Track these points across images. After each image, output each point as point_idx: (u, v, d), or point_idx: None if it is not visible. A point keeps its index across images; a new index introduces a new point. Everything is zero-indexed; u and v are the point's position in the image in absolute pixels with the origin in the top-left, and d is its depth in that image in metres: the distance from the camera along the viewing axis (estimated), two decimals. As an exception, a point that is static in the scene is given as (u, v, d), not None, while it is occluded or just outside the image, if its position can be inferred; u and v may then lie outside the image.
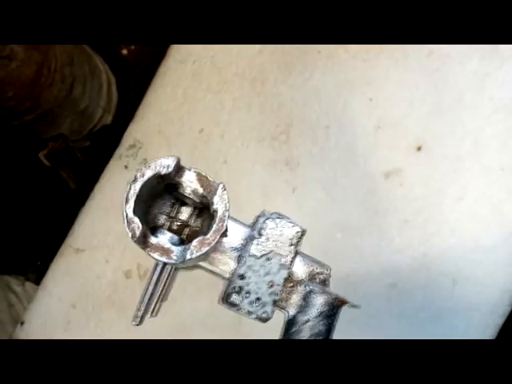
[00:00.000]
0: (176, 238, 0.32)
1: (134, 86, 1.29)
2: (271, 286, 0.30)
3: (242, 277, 0.31)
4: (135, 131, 0.65)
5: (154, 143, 0.64)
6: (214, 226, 0.28)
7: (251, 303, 0.30)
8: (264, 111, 0.62)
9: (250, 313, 0.31)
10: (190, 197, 0.31)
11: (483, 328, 0.53)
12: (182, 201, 0.32)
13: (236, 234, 0.31)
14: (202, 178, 0.30)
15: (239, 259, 0.31)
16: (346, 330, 0.55)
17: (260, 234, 0.31)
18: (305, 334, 0.32)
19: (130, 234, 0.28)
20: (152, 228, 0.32)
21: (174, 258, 0.29)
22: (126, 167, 0.64)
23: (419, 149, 0.56)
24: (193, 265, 0.33)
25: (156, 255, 0.29)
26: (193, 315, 0.60)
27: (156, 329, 0.61)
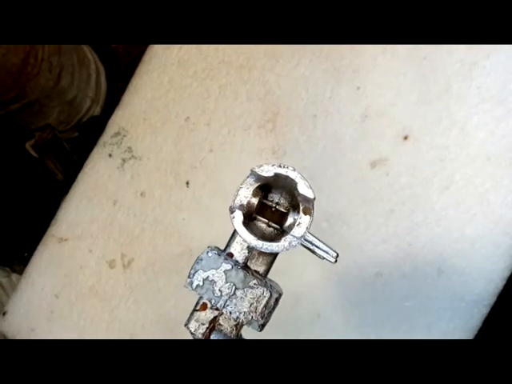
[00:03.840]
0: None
1: (123, 76, 1.27)
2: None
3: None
4: (120, 119, 0.64)
5: (139, 131, 0.63)
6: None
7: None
8: (251, 99, 0.61)
9: None
10: None
11: (468, 318, 0.53)
12: None
13: None
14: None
15: None
16: (331, 318, 0.55)
17: None
18: None
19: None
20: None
21: None
22: (110, 155, 0.63)
23: (406, 138, 0.56)
24: None
25: None
26: (177, 305, 0.60)
27: (139, 318, 0.60)
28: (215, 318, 0.31)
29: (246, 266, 0.32)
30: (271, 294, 0.30)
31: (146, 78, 0.64)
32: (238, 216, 0.29)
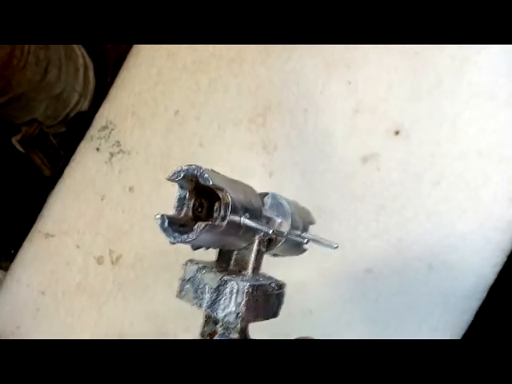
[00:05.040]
0: None
1: (112, 71, 1.25)
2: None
3: None
4: (107, 112, 0.63)
5: (127, 125, 0.62)
6: None
7: None
8: (241, 93, 0.60)
9: None
10: None
11: (459, 313, 0.53)
12: None
13: None
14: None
15: None
16: (322, 314, 0.55)
17: None
18: None
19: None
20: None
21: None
22: (97, 149, 0.62)
23: (397, 133, 0.55)
24: None
25: None
26: (166, 302, 0.59)
27: (127, 315, 0.59)
28: (214, 326, 0.32)
29: (226, 269, 0.34)
30: (238, 285, 0.31)
31: (134, 71, 0.63)
32: (160, 219, 0.29)
